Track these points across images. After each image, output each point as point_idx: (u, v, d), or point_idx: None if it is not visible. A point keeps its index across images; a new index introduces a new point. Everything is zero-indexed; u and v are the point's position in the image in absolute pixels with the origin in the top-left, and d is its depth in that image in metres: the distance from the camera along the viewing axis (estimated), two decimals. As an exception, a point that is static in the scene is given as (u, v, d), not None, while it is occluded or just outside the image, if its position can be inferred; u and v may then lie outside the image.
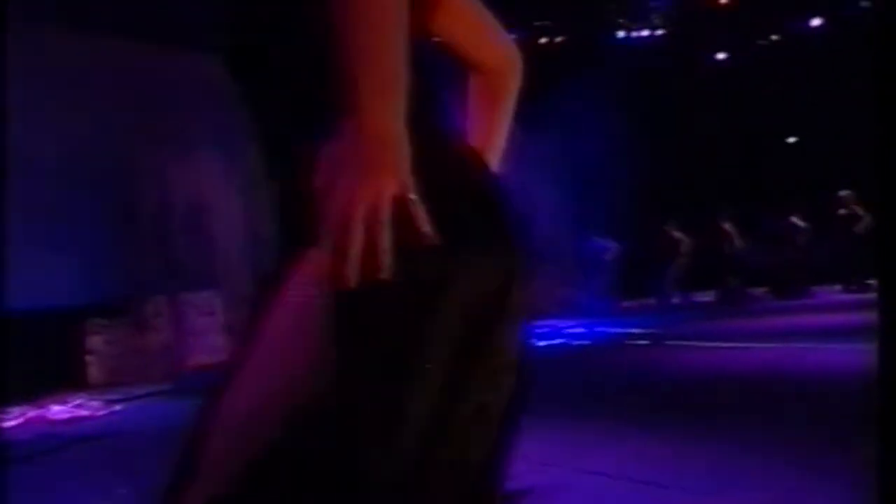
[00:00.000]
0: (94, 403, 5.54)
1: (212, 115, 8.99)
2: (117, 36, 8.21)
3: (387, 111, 0.73)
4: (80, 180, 7.65)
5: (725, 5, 11.28)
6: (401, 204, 0.71)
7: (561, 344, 6.60)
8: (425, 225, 0.72)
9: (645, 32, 11.81)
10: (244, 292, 8.75)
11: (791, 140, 13.35)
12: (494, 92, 1.10)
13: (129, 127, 8.15)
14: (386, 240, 0.70)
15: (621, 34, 11.82)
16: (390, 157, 0.72)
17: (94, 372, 7.29)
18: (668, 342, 6.08)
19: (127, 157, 8.12)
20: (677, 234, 10.45)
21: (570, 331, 7.54)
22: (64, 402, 5.62)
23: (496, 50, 1.09)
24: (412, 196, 0.72)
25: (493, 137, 1.12)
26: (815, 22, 12.02)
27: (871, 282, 9.54)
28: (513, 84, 1.11)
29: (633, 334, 6.75)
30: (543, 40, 11.52)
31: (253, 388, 0.80)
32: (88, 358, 7.31)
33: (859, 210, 9.76)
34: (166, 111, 8.54)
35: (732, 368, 4.61)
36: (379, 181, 0.71)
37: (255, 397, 0.79)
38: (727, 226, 10.60)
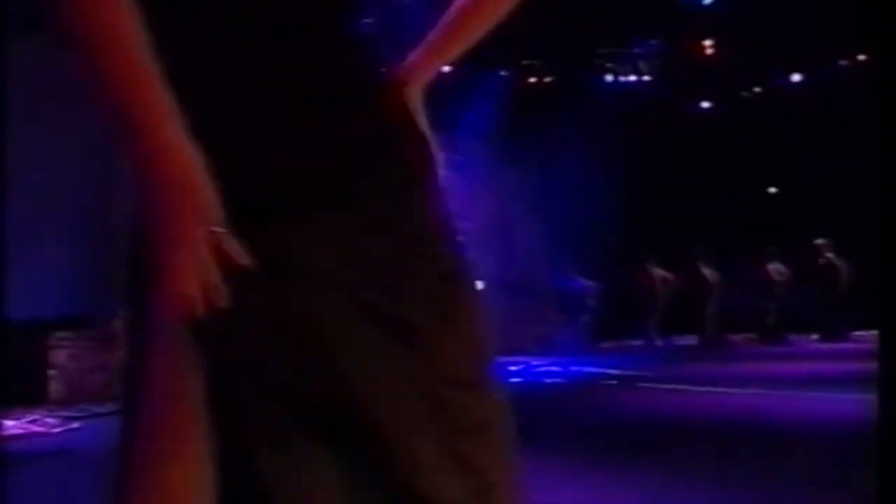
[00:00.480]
0: (51, 420, 5.33)
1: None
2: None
3: (160, 143, 0.68)
4: (48, 192, 7.51)
5: (710, 56, 11.55)
6: (213, 241, 0.68)
7: (533, 382, 6.52)
8: (243, 258, 0.69)
9: (632, 78, 12.03)
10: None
11: (772, 190, 13.57)
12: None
13: (105, 139, 8.04)
14: (214, 276, 0.68)
15: (609, 78, 12.02)
16: (185, 200, 0.68)
17: (55, 387, 7.05)
18: (645, 384, 6.03)
19: (99, 169, 7.99)
20: (658, 273, 10.50)
21: (545, 369, 7.45)
22: (19, 418, 5.40)
23: None
24: (218, 231, 0.68)
25: (450, 46, 0.97)
26: (796, 77, 12.35)
27: (850, 332, 9.63)
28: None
29: (610, 375, 6.69)
30: (532, 79, 11.67)
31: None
32: (51, 373, 7.08)
33: (835, 259, 9.89)
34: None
35: (709, 413, 4.57)
36: (180, 228, 0.68)
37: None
38: (706, 271, 10.68)
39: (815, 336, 10.01)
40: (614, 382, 6.14)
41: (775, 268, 10.52)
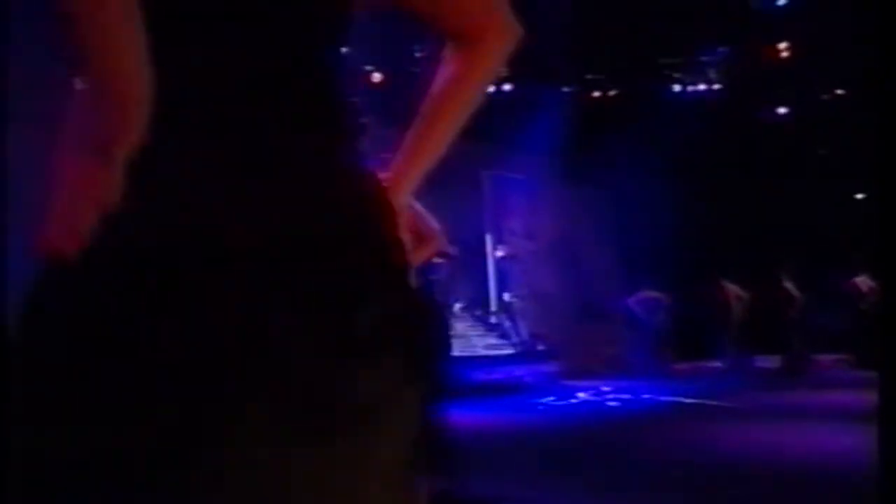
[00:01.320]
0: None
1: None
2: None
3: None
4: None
5: (785, 59, 10.98)
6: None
7: (602, 409, 6.26)
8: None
9: (701, 87, 11.58)
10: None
11: (859, 196, 12.76)
12: (470, 66, 0.89)
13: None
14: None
15: (677, 88, 11.62)
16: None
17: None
18: (721, 415, 5.67)
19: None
20: (733, 290, 9.97)
21: (615, 396, 7.17)
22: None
23: (479, 16, 0.88)
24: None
25: (447, 121, 0.90)
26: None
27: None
28: (495, 59, 0.90)
29: (683, 404, 6.34)
30: (596, 94, 11.42)
31: None
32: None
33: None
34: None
35: (794, 453, 4.20)
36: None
37: None
38: (788, 284, 10.07)
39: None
40: (688, 412, 5.80)
41: (864, 280, 9.81)
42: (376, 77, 9.80)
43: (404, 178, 0.89)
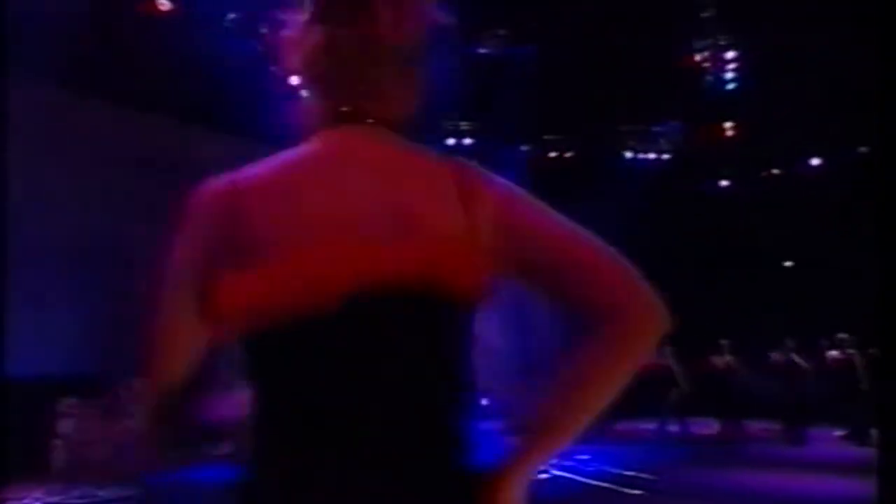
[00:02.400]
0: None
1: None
2: (122, 104, 8.20)
3: None
4: (60, 251, 7.48)
5: (730, 137, 11.62)
6: None
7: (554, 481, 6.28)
8: None
9: (652, 155, 12.09)
10: (227, 384, 8.45)
11: (788, 264, 13.47)
12: (608, 348, 0.83)
13: (125, 200, 8.06)
14: None
15: (629, 155, 12.09)
16: None
17: (59, 458, 6.89)
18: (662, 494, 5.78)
19: (119, 232, 7.99)
20: (671, 363, 10.31)
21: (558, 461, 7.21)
22: (19, 499, 5.24)
23: (615, 292, 0.84)
24: None
25: (578, 408, 0.84)
26: (815, 161, 12.41)
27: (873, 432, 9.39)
28: (634, 343, 0.83)
29: (625, 477, 6.44)
30: (553, 154, 11.75)
31: None
32: (55, 442, 6.92)
33: (856, 356, 9.70)
34: (171, 189, 8.50)
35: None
36: None
37: None
38: (727, 357, 10.46)
39: (837, 432, 9.73)
40: (636, 493, 5.88)
41: (797, 358, 10.31)
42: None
43: (524, 465, 0.83)
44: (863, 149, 11.87)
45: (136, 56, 7.46)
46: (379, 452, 0.79)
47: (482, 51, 9.28)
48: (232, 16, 8.40)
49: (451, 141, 10.50)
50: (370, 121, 0.94)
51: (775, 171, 12.92)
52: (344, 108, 0.94)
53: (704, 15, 9.41)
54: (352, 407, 0.79)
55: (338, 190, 0.85)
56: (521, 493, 0.83)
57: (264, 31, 8.77)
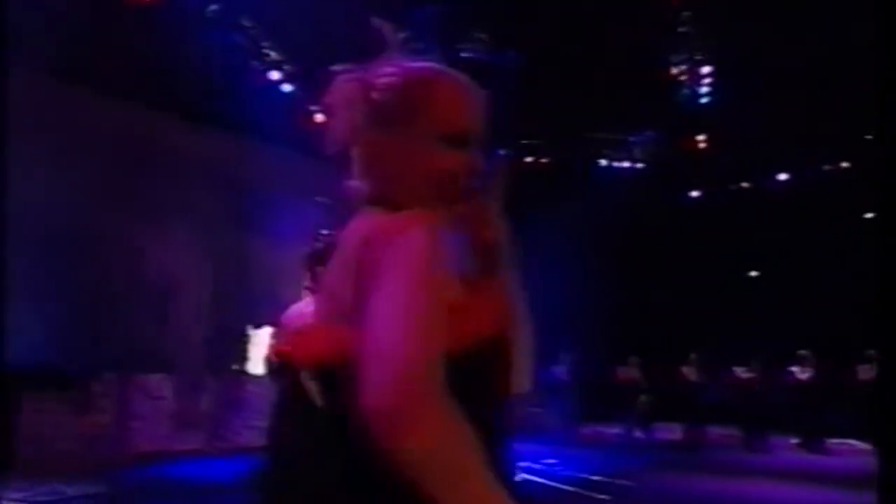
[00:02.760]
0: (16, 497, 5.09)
1: (194, 192, 8.90)
2: (109, 94, 8.07)
3: None
4: (38, 239, 7.33)
5: (703, 150, 11.89)
6: None
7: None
8: None
9: (626, 164, 12.31)
10: (199, 380, 8.39)
11: (753, 274, 13.84)
12: None
13: (104, 192, 7.94)
14: None
15: (603, 162, 12.29)
16: None
17: (27, 450, 6.76)
18: (628, 499, 5.93)
19: (96, 224, 7.88)
20: (638, 372, 10.56)
21: (529, 466, 7.34)
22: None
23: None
24: None
25: None
26: (783, 176, 12.76)
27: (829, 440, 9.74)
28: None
29: (592, 482, 6.59)
30: (529, 159, 11.88)
31: None
32: (22, 436, 6.80)
33: (814, 367, 10.04)
34: (146, 180, 8.39)
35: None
36: None
37: None
38: (691, 369, 10.71)
39: (794, 440, 10.06)
40: (602, 497, 6.02)
41: (756, 369, 10.60)
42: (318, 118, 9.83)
43: None
44: (827, 166, 12.28)
45: (118, 44, 7.36)
46: None
47: (464, 55, 9.35)
48: (214, 7, 8.33)
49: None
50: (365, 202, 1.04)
51: (744, 184, 13.26)
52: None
53: (682, 30, 9.63)
54: None
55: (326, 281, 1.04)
56: None
57: (246, 23, 8.74)
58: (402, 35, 1.11)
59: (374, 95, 1.03)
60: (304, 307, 2.53)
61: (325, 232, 2.62)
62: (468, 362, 0.89)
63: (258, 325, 9.56)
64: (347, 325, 0.88)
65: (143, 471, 6.66)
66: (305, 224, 10.66)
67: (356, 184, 1.06)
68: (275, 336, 3.09)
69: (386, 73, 1.04)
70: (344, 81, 1.05)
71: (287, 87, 9.41)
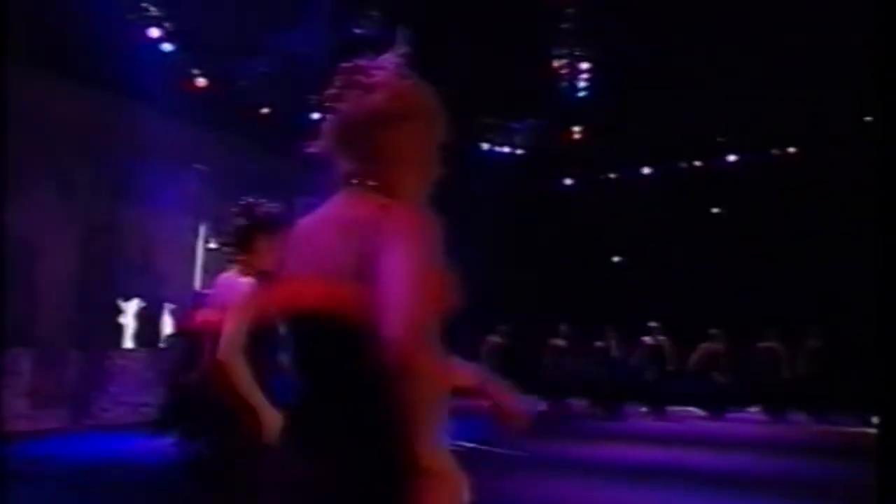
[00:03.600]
0: None
1: (63, 155, 8.23)
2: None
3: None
4: None
5: (577, 140, 12.62)
6: None
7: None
8: None
9: (506, 149, 12.80)
10: (58, 355, 7.86)
11: (616, 259, 14.93)
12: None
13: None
14: None
15: (485, 146, 12.69)
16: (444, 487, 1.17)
17: None
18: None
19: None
20: (492, 338, 11.20)
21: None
22: None
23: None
24: None
25: None
26: (646, 170, 13.83)
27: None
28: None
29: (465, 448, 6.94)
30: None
31: None
32: None
33: (665, 343, 11.09)
34: (8, 137, 7.65)
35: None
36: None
37: None
38: (560, 341, 11.47)
39: (644, 409, 11.09)
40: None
41: (612, 344, 11.52)
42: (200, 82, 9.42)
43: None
44: (683, 163, 13.47)
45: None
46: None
47: (356, 31, 9.30)
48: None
49: (317, 116, 10.39)
50: (354, 181, 1.28)
51: (612, 175, 14.23)
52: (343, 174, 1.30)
53: (564, 27, 10.13)
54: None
55: (309, 245, 1.26)
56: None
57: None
58: (405, 45, 1.32)
59: (375, 96, 1.24)
60: (232, 279, 2.55)
61: (245, 207, 2.63)
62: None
63: (128, 298, 9.10)
64: (343, 282, 1.18)
65: (36, 446, 6.26)
66: (183, 192, 10.13)
67: (348, 168, 1.27)
68: (196, 306, 3.07)
69: (383, 77, 1.26)
70: (346, 79, 1.27)
71: (167, 47, 8.90)
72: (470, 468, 1.22)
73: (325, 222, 1.25)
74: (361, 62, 1.28)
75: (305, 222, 1.31)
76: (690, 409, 11.15)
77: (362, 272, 1.15)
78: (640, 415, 10.81)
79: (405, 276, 1.13)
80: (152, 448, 5.64)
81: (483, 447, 7.01)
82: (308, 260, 1.23)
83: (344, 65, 1.28)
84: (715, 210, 13.57)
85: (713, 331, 11.16)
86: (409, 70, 1.30)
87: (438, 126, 1.31)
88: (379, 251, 1.15)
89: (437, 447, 1.13)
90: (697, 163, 13.33)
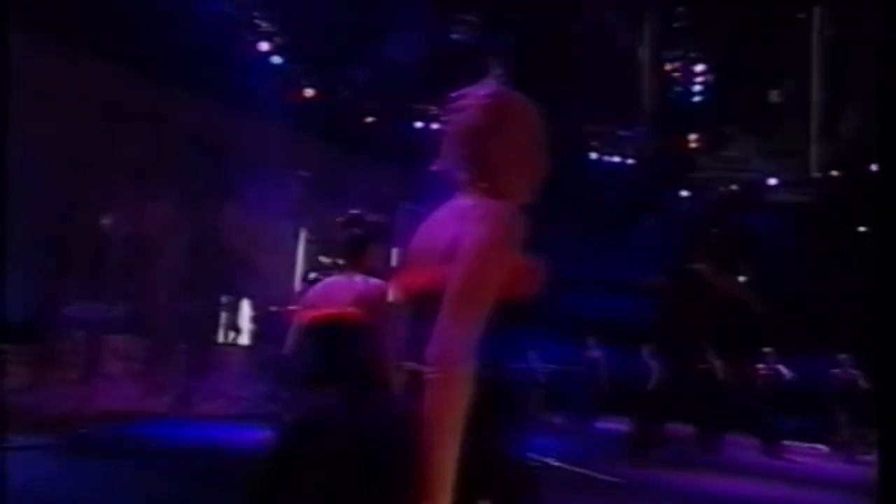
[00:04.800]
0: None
1: (178, 158, 8.91)
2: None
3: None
4: (19, 195, 7.36)
5: (693, 150, 11.90)
6: None
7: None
8: None
9: (616, 159, 12.31)
10: (169, 343, 8.47)
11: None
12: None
13: (82, 151, 7.94)
14: None
15: (594, 156, 12.28)
16: None
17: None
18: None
19: (73, 181, 7.89)
20: (597, 354, 10.56)
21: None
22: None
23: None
24: None
25: None
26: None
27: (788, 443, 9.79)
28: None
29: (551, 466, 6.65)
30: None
31: None
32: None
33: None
34: (132, 146, 8.40)
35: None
36: None
37: None
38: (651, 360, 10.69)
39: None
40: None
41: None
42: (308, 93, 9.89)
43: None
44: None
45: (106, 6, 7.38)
46: None
47: (454, 36, 9.35)
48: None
49: (418, 124, 10.56)
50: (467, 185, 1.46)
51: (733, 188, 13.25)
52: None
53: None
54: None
55: (427, 234, 1.42)
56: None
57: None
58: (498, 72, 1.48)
59: (476, 113, 1.42)
60: (332, 284, 2.57)
61: (356, 217, 2.63)
62: (513, 309, 1.29)
63: (232, 295, 9.66)
64: (444, 265, 1.30)
65: (105, 429, 6.76)
66: (287, 197, 10.56)
67: (463, 176, 1.44)
68: (292, 310, 3.03)
69: (482, 97, 1.44)
70: (458, 104, 1.46)
71: (277, 59, 9.42)
72: (558, 488, 1.04)
73: (438, 218, 1.42)
74: (464, 90, 1.47)
75: (428, 220, 1.46)
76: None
77: (455, 255, 1.28)
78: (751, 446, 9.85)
79: (472, 258, 1.25)
80: (247, 438, 5.84)
81: (577, 469, 6.70)
82: (422, 249, 1.40)
83: (451, 94, 1.47)
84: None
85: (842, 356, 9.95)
86: (506, 87, 1.47)
87: (537, 131, 1.45)
88: (464, 236, 1.28)
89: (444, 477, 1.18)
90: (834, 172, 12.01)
